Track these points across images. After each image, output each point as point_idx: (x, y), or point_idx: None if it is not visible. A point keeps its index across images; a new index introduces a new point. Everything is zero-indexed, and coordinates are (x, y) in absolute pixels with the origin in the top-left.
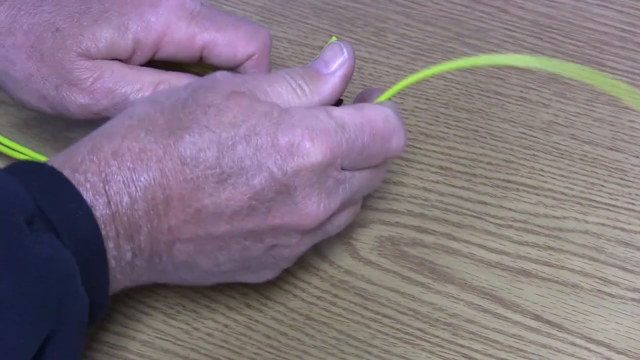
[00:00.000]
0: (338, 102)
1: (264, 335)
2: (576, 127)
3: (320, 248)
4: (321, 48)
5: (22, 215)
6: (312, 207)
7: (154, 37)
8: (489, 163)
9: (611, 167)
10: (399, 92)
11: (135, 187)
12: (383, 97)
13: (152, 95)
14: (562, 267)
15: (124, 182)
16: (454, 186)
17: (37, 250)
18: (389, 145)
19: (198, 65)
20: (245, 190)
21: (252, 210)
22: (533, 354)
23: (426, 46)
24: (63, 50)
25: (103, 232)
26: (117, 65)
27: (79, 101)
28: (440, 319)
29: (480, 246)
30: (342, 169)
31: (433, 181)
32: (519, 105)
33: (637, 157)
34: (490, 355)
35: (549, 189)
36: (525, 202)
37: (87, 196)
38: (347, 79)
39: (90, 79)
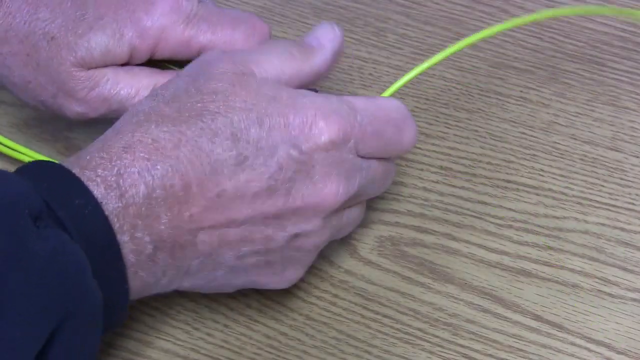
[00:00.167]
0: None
1: (264, 335)
2: (576, 127)
3: None
4: None
5: (27, 212)
6: (332, 187)
7: (150, 42)
8: (489, 163)
9: (611, 167)
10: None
11: (152, 176)
12: (389, 91)
13: (150, 93)
14: (562, 267)
15: (139, 172)
16: (454, 186)
17: (40, 246)
18: (403, 135)
19: None
20: (264, 171)
21: (272, 192)
22: (533, 354)
23: (426, 46)
24: (58, 61)
25: (116, 226)
26: (111, 72)
27: (76, 110)
28: (440, 319)
29: (480, 246)
30: (359, 156)
31: (433, 181)
32: (519, 105)
33: (637, 157)
34: (490, 355)
35: (549, 189)
36: (525, 202)
37: (98, 191)
38: (337, 56)
39: (86, 89)
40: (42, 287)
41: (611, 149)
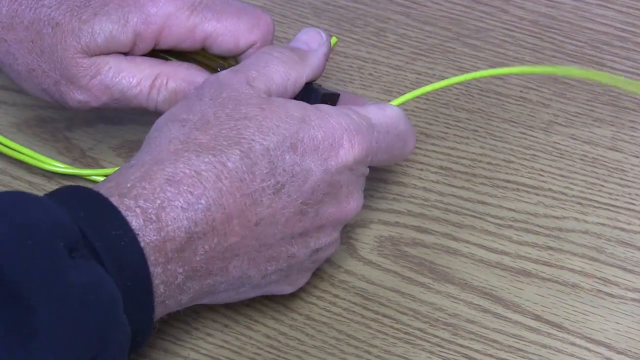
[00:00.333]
0: (335, 96)
1: (264, 335)
2: (576, 127)
3: None
4: None
5: (63, 243)
6: (354, 203)
7: (154, 29)
8: (489, 163)
9: (611, 167)
10: (398, 93)
11: (195, 211)
12: (399, 100)
13: (169, 116)
14: (562, 267)
15: (182, 207)
16: (454, 186)
17: (75, 278)
18: (406, 147)
19: (200, 53)
20: (298, 197)
21: (303, 215)
22: (533, 354)
23: (426, 46)
24: (62, 47)
25: (152, 258)
26: (114, 61)
27: (77, 98)
28: (440, 319)
29: (480, 246)
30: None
31: (433, 181)
32: (519, 105)
33: (637, 157)
34: (490, 355)
35: (549, 189)
36: (525, 202)
37: (137, 222)
38: (327, 58)
39: (88, 77)
40: (76, 319)
41: (611, 149)
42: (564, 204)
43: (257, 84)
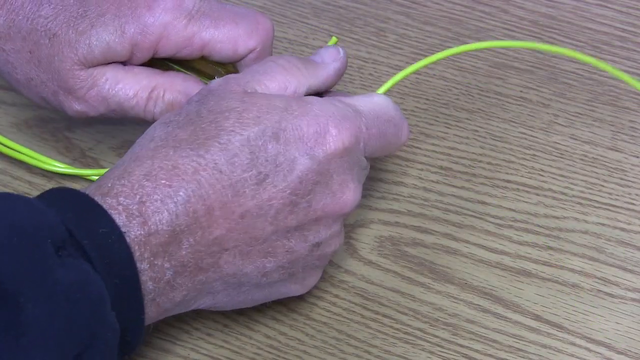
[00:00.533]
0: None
1: (264, 335)
2: (576, 127)
3: None
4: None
5: (50, 242)
6: (349, 193)
7: (152, 39)
8: (489, 163)
9: (611, 167)
10: (398, 92)
11: (175, 203)
12: (382, 89)
13: (159, 120)
14: (562, 267)
15: (161, 200)
16: (454, 186)
17: (62, 276)
18: (401, 132)
19: (199, 60)
20: (285, 187)
21: (294, 206)
22: (533, 354)
23: (426, 46)
24: (59, 58)
25: (137, 254)
26: (111, 72)
27: (75, 108)
28: (440, 319)
29: (480, 246)
30: (364, 156)
31: (433, 181)
32: (519, 105)
33: (637, 157)
34: (490, 355)
35: (549, 189)
36: (525, 202)
37: (120, 219)
38: (340, 74)
39: (85, 88)
40: (63, 317)
41: (611, 149)
42: (564, 204)
43: (248, 87)
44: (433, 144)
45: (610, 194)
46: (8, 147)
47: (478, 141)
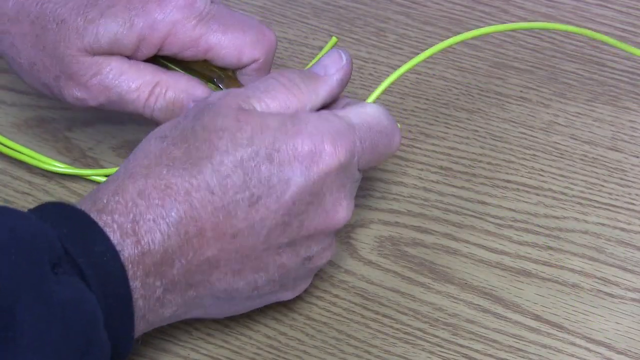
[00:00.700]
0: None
1: (264, 335)
2: (576, 127)
3: None
4: (321, 48)
5: (47, 258)
6: (342, 210)
7: (159, 35)
8: (489, 163)
9: (611, 167)
10: (398, 92)
11: (167, 224)
12: (375, 94)
13: (155, 132)
14: (562, 267)
15: (154, 220)
16: (454, 186)
17: (57, 294)
18: (392, 142)
19: (200, 62)
20: (278, 208)
21: (287, 226)
22: (533, 354)
23: (426, 46)
24: (65, 44)
25: (130, 272)
26: (116, 62)
27: (75, 94)
28: (440, 319)
29: (480, 246)
30: (357, 169)
31: (433, 181)
32: (519, 105)
33: (637, 157)
34: (490, 355)
35: (549, 189)
36: (525, 202)
37: (115, 237)
38: (344, 84)
39: (88, 75)
40: (58, 334)
41: (611, 149)
42: (564, 204)
43: (247, 104)
44: (433, 144)
45: (610, 194)
46: (8, 147)
47: (478, 141)
